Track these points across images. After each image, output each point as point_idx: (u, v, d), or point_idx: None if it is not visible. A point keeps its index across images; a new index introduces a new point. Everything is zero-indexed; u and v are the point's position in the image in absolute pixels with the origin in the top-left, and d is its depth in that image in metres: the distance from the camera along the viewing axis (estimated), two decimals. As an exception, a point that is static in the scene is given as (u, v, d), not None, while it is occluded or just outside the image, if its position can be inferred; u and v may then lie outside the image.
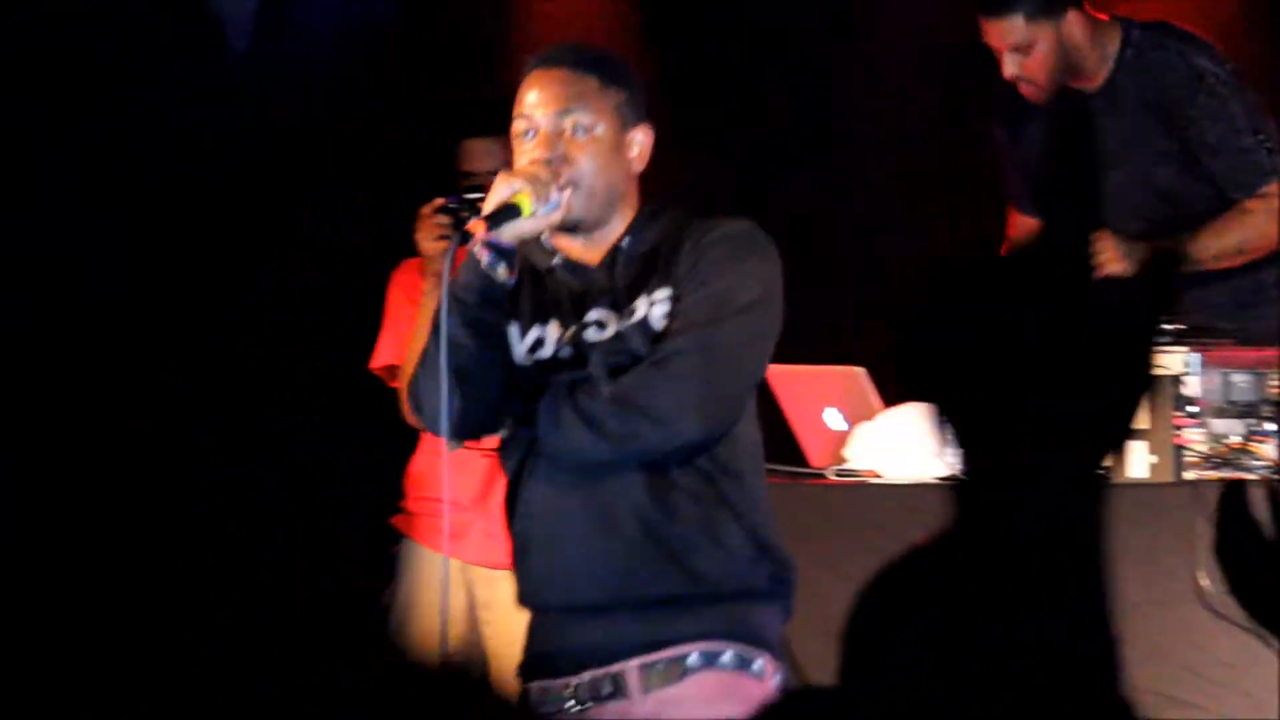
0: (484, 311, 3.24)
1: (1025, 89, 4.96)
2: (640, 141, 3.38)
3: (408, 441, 6.28)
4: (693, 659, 3.20)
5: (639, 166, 3.39)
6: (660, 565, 3.20)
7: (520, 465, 3.34)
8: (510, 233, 3.21)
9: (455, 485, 4.84)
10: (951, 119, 6.07)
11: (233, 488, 6.23)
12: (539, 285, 3.39)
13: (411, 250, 6.29)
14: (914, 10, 6.31)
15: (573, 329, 3.31)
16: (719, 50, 6.57)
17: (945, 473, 4.32)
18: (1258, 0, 6.00)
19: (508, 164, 3.32)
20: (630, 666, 3.22)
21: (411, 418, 4.72)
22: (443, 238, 4.32)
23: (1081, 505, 4.13)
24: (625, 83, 3.38)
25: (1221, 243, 4.82)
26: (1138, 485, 4.17)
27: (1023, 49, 4.89)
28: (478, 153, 4.92)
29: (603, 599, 3.22)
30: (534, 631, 3.34)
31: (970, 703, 1.79)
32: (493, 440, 4.64)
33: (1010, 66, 4.91)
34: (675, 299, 3.25)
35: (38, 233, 6.07)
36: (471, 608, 4.92)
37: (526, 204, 3.20)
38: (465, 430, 3.30)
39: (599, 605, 3.23)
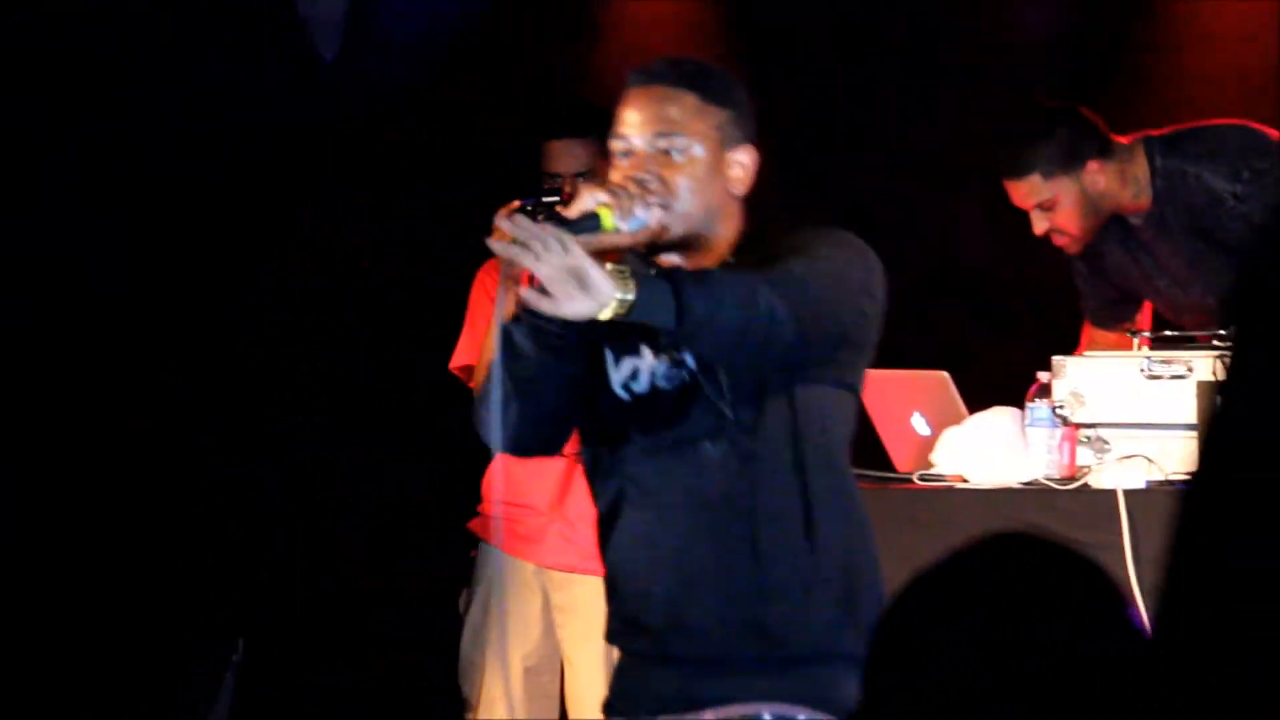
0: (550, 322, 3.10)
1: (1059, 240, 4.89)
2: (742, 163, 3.25)
3: (409, 441, 6.30)
4: (766, 718, 3.18)
5: (740, 189, 3.26)
6: (745, 629, 3.18)
7: (614, 502, 3.26)
8: (586, 245, 3.04)
9: (531, 489, 4.82)
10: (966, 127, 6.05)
11: (233, 488, 6.22)
12: None
13: (412, 249, 6.33)
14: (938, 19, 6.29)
15: (669, 357, 3.22)
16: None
17: (1030, 477, 4.35)
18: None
19: (592, 170, 3.21)
20: (704, 718, 3.19)
21: None
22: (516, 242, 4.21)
23: (1161, 511, 4.18)
24: (728, 101, 3.25)
25: None
26: None
27: (1047, 206, 4.82)
28: (560, 154, 4.82)
29: (687, 654, 3.20)
30: (619, 671, 3.32)
31: (1046, 705, 1.81)
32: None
33: (1039, 224, 4.84)
34: None
35: (38, 233, 6.06)
36: (547, 611, 4.91)
37: (608, 218, 3.06)
38: (525, 444, 3.22)
39: (682, 659, 3.20)
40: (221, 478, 6.22)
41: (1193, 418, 4.28)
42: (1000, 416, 4.47)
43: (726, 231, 3.24)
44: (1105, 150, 4.85)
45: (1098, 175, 4.82)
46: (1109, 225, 4.91)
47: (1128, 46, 6.16)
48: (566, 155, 4.74)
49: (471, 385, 4.74)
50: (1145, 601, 4.09)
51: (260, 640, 6.21)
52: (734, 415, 3.16)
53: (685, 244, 3.21)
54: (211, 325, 6.27)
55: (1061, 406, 4.41)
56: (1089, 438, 4.41)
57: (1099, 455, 4.39)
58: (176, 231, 6.24)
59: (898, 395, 4.66)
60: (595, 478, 3.32)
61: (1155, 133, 4.93)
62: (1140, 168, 4.88)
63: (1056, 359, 4.47)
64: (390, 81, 6.26)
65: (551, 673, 4.95)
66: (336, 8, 6.20)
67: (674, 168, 3.19)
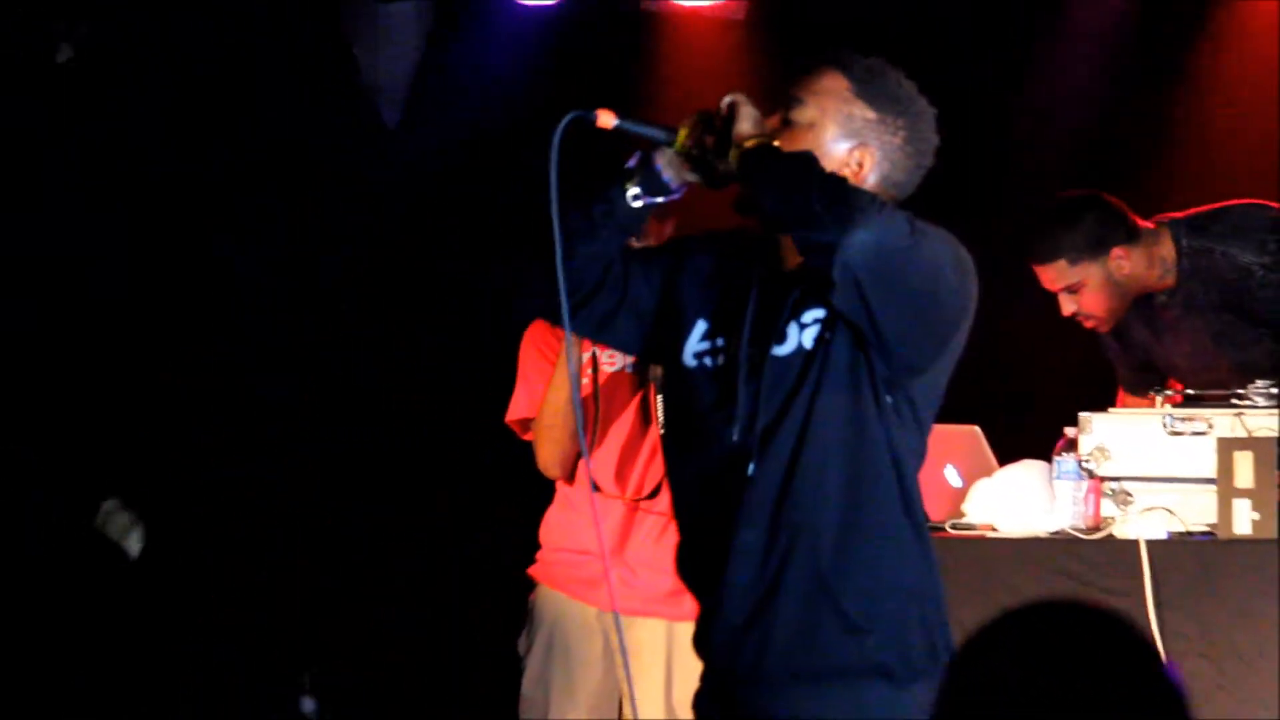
0: (595, 194, 3.20)
1: (1087, 323, 5.02)
2: (857, 161, 3.19)
3: (408, 441, 6.31)
4: None
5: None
6: (750, 646, 3.17)
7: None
8: (664, 156, 3.17)
9: (591, 535, 4.84)
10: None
11: (233, 488, 6.23)
12: (747, 291, 3.24)
13: (413, 249, 6.33)
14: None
15: (745, 344, 3.21)
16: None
17: (1057, 527, 4.50)
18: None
19: (645, 230, 3.27)
20: None
21: (547, 469, 4.76)
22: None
23: (1182, 561, 4.33)
24: (882, 104, 3.21)
25: None
26: (1240, 541, 4.33)
27: (1073, 289, 4.95)
28: None
29: (715, 654, 3.22)
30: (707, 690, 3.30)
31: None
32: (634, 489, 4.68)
33: (1067, 306, 4.98)
34: (827, 320, 3.14)
35: (38, 233, 6.06)
36: (607, 652, 4.93)
37: (681, 139, 3.16)
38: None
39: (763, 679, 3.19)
40: (221, 478, 6.23)
41: (1213, 472, 4.40)
42: (1029, 469, 4.63)
43: None
44: (1131, 236, 4.97)
45: (1123, 260, 4.95)
46: (1134, 304, 5.03)
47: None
48: None
49: (527, 437, 4.78)
50: (1165, 646, 4.21)
51: (260, 640, 6.25)
52: (739, 436, 3.16)
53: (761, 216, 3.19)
54: (212, 325, 6.27)
55: (1087, 460, 4.54)
56: (1113, 490, 4.54)
57: (1122, 507, 4.52)
58: (176, 231, 6.24)
59: (932, 448, 4.68)
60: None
61: (1178, 215, 5.05)
62: (1166, 249, 5.00)
63: (1083, 415, 4.58)
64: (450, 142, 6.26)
65: (611, 713, 4.99)
66: (401, 75, 6.20)
67: (788, 135, 3.18)
